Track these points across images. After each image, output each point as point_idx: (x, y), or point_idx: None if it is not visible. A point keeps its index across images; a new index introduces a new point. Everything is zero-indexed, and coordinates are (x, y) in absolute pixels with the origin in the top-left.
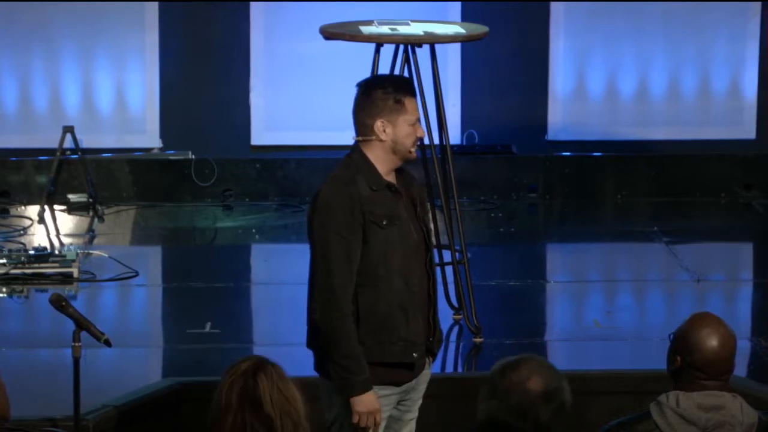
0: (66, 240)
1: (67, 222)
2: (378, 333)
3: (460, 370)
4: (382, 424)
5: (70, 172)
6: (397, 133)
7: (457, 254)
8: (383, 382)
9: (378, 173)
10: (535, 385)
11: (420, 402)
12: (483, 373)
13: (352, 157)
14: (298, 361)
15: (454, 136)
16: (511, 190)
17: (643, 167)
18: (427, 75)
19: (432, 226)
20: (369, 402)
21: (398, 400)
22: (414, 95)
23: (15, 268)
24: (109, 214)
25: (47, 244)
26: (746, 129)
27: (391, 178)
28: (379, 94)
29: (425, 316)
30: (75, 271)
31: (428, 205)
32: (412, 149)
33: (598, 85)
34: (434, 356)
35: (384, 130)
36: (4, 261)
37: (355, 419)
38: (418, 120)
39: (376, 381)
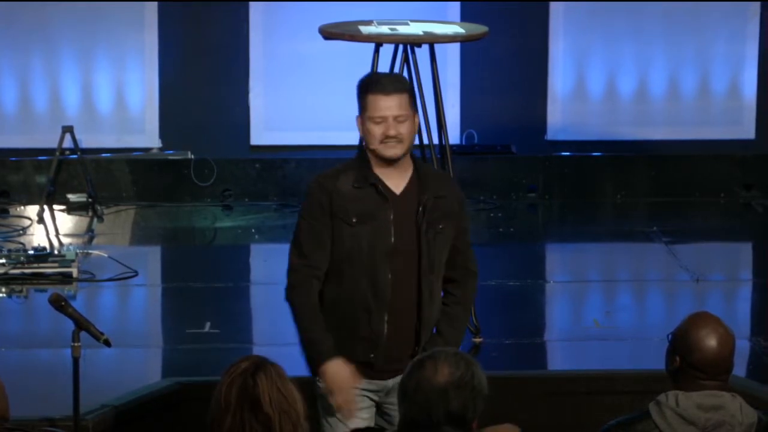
0: (65, 240)
1: (66, 222)
2: (339, 329)
3: None
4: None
5: (69, 172)
6: (364, 129)
7: None
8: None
9: (369, 170)
10: (441, 377)
11: None
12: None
13: (357, 153)
14: (297, 361)
15: (454, 136)
16: (510, 190)
17: (643, 167)
18: (427, 75)
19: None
20: (334, 373)
21: (375, 399)
22: (384, 92)
23: (14, 268)
24: (108, 214)
25: (47, 244)
26: (746, 129)
27: (391, 176)
28: (358, 90)
29: (409, 325)
30: (74, 271)
31: (451, 218)
32: (380, 147)
33: (598, 85)
34: None
35: (359, 127)
36: (3, 261)
37: (324, 392)
38: (388, 118)
39: None
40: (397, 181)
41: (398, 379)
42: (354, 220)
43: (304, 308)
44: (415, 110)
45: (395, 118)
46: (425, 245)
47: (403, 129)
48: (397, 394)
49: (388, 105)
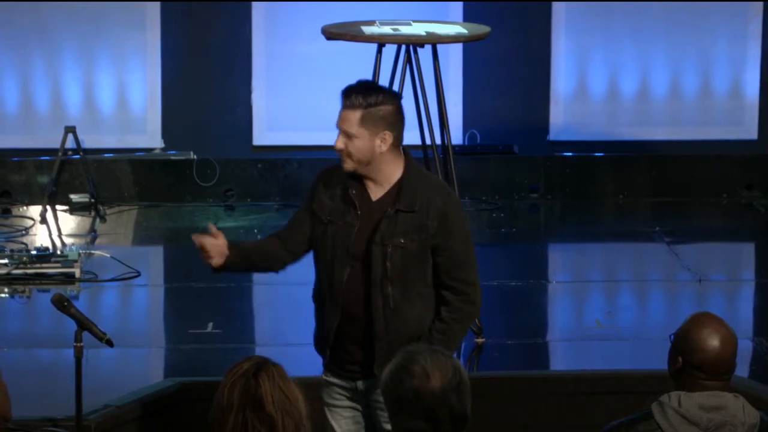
0: (68, 240)
1: (68, 222)
2: (316, 317)
3: None
4: (342, 419)
5: (71, 172)
6: None
7: None
8: (326, 368)
9: (350, 177)
10: (436, 380)
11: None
12: (485, 374)
13: None
14: (299, 361)
15: (456, 136)
16: (512, 190)
17: (645, 167)
18: (429, 75)
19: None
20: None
21: (355, 399)
22: (343, 104)
23: (17, 268)
24: (110, 214)
25: (49, 244)
26: (748, 129)
27: (371, 183)
28: None
29: (360, 333)
30: (77, 271)
31: (421, 233)
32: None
33: (600, 85)
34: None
35: None
36: (6, 261)
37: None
38: (340, 130)
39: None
40: (376, 188)
41: (367, 382)
42: (328, 218)
43: None
44: (381, 129)
45: (343, 132)
46: (375, 256)
47: (350, 146)
48: (386, 406)
49: (341, 117)
